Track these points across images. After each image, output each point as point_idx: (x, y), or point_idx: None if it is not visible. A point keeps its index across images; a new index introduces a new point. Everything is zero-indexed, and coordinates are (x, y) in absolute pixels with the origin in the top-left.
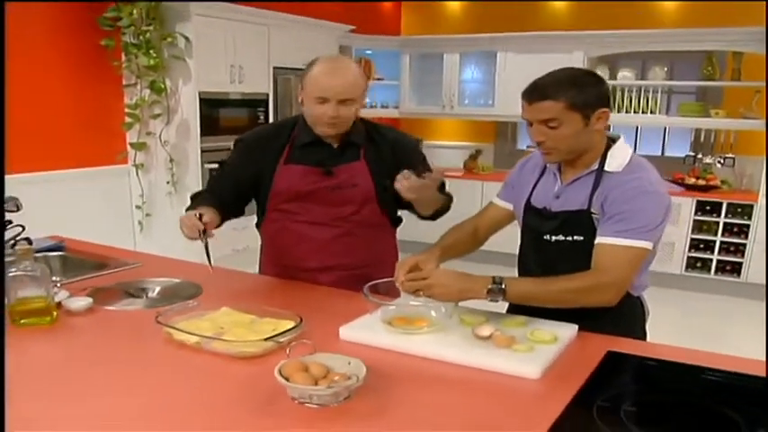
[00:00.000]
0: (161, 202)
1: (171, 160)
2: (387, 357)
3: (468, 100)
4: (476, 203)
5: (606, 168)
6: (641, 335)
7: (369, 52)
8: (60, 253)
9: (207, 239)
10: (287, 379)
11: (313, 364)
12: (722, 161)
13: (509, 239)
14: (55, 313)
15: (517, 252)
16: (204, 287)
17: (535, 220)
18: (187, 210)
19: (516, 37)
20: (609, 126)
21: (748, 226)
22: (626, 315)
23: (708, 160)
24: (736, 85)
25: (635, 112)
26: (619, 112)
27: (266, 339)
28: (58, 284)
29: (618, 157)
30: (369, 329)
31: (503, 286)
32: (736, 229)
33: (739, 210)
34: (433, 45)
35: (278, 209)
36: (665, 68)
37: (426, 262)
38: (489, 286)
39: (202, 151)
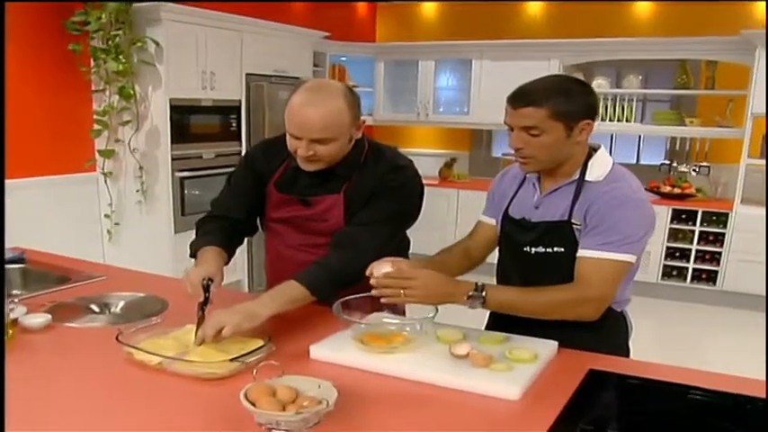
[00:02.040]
0: (130, 211)
1: (140, 168)
2: (359, 377)
3: (444, 107)
4: (451, 212)
5: (587, 178)
6: (625, 350)
7: (343, 59)
8: (21, 265)
9: (203, 312)
10: (253, 404)
11: (281, 387)
12: (697, 169)
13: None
14: (11, 331)
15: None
16: (170, 302)
17: (514, 231)
18: (192, 244)
19: (492, 44)
20: None
21: (723, 234)
22: (609, 330)
23: (683, 168)
24: (710, 94)
25: (610, 120)
26: (602, 120)
27: (232, 360)
28: (16, 300)
29: (599, 167)
30: (340, 348)
31: (483, 294)
32: (711, 238)
33: (714, 218)
34: (408, 52)
35: (268, 227)
36: (640, 77)
37: (404, 265)
38: (470, 293)
39: (173, 159)
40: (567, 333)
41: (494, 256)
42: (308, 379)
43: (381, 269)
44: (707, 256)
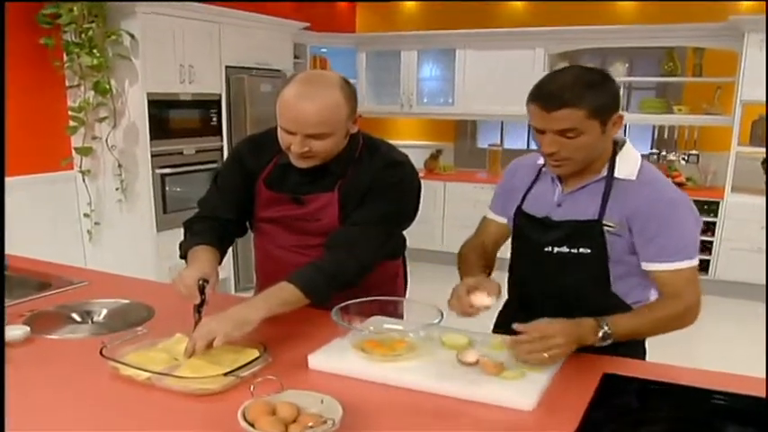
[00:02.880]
0: (111, 210)
1: (119, 166)
2: (363, 389)
3: (428, 98)
4: (438, 204)
5: (617, 175)
6: (642, 351)
7: (324, 50)
8: None
9: (200, 315)
10: (252, 424)
11: (281, 404)
12: (686, 158)
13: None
14: None
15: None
16: (157, 309)
17: (533, 230)
18: (182, 245)
19: (475, 33)
20: None
21: (715, 223)
22: None
23: (672, 157)
24: (698, 81)
25: None
26: None
27: (226, 374)
28: None
29: (628, 163)
30: (341, 357)
31: (609, 330)
32: (703, 227)
33: (705, 207)
34: (390, 42)
35: (257, 227)
36: (626, 64)
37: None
38: (600, 333)
39: (153, 156)
40: None
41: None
42: (309, 393)
43: (482, 301)
44: (699, 246)
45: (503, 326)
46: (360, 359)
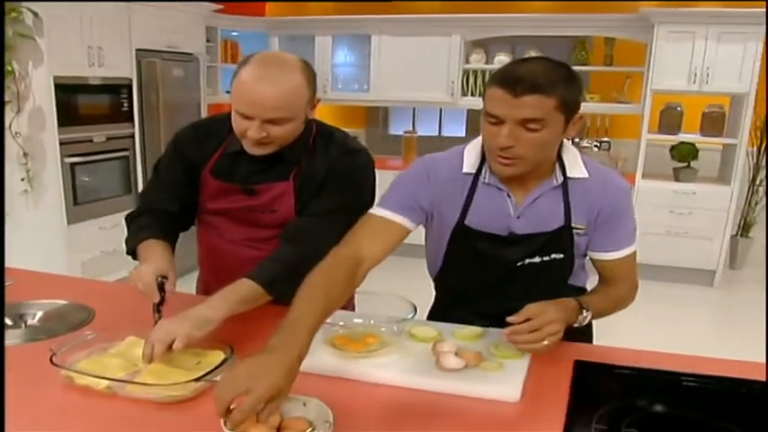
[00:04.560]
0: (16, 202)
1: (25, 154)
2: (340, 387)
3: (342, 85)
4: None
5: (570, 175)
6: (591, 335)
7: (234, 34)
8: None
9: (160, 314)
10: None
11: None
12: (598, 145)
13: None
14: None
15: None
16: (96, 310)
17: (489, 246)
18: (128, 241)
19: (391, 19)
20: None
21: None
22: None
23: (584, 144)
24: (609, 71)
25: None
26: None
27: (198, 380)
28: None
29: (574, 160)
30: (312, 355)
31: (588, 311)
32: None
33: None
34: (304, 27)
35: (201, 219)
36: (541, 53)
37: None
38: (583, 314)
39: (61, 143)
40: None
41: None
42: (288, 397)
43: (452, 364)
44: None
45: (438, 318)
46: (333, 357)
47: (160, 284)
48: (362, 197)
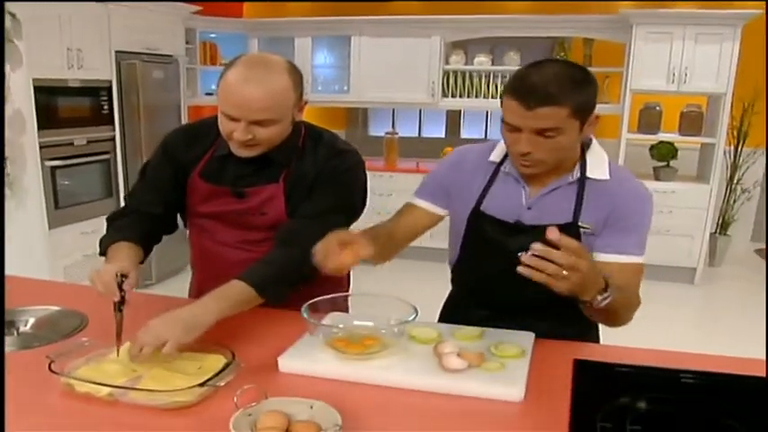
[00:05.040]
0: None
1: (4, 158)
2: (345, 390)
3: (322, 86)
4: None
5: (589, 175)
6: (596, 331)
7: (213, 35)
8: None
9: (122, 314)
10: None
11: (270, 414)
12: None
13: None
14: None
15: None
16: (90, 316)
17: (499, 234)
18: (102, 241)
19: (371, 20)
20: None
21: None
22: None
23: None
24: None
25: (492, 96)
26: (477, 97)
27: (202, 384)
28: None
29: (599, 162)
30: (313, 357)
31: (609, 296)
32: None
33: None
34: (283, 28)
35: (192, 222)
36: (520, 54)
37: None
38: (603, 295)
39: (41, 147)
40: (550, 317)
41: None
42: (295, 400)
43: (455, 365)
44: None
45: (450, 318)
46: (334, 359)
47: (119, 283)
48: (353, 198)
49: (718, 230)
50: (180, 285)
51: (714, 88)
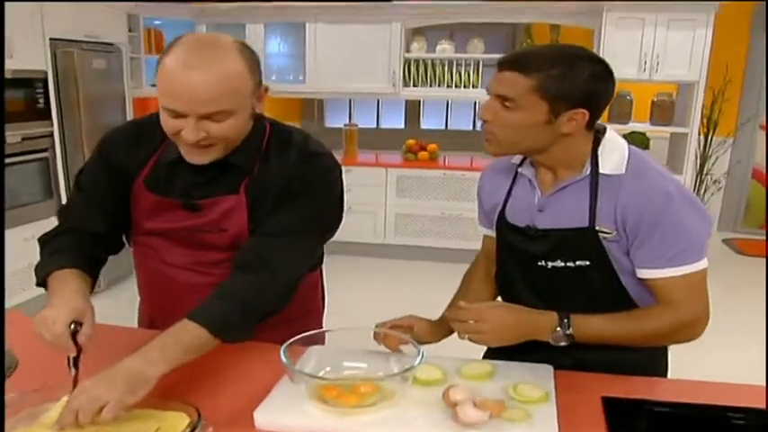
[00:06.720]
0: None
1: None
2: None
3: (276, 76)
4: None
5: (602, 171)
6: (665, 361)
7: (158, 22)
8: None
9: (78, 370)
10: None
11: None
12: None
13: None
14: None
15: None
16: (18, 355)
17: (519, 241)
18: (39, 268)
19: (326, 6)
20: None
21: None
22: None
23: None
24: None
25: (455, 86)
26: (439, 86)
27: None
28: None
29: (613, 155)
30: (298, 411)
31: (570, 330)
32: None
33: None
34: (233, 14)
35: (137, 240)
36: (484, 41)
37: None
38: (557, 330)
39: None
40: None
41: None
42: None
43: (470, 417)
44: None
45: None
46: (324, 413)
47: (73, 333)
48: (329, 209)
49: None
50: (132, 294)
51: (686, 76)
